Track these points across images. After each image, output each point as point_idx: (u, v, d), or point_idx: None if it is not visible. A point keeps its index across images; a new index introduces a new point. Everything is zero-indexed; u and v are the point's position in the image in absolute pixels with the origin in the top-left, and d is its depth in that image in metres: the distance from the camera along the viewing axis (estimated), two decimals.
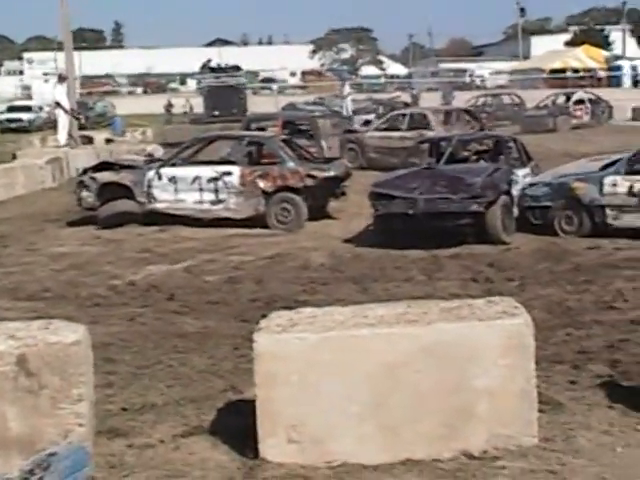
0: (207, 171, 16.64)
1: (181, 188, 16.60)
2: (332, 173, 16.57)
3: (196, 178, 16.53)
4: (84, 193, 17.10)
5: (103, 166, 17.84)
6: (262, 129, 23.65)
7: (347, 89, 47.69)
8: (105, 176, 17.11)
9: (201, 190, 16.49)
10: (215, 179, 16.44)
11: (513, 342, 5.41)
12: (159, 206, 16.71)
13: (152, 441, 5.97)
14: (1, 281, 12.29)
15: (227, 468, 5.51)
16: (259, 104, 53.01)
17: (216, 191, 16.44)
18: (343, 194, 17.07)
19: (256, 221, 16.18)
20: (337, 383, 5.40)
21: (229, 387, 7.13)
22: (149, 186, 16.71)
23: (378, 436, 5.41)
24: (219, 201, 16.46)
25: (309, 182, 16.13)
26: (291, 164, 16.42)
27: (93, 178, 17.09)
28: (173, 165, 17.04)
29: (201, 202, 16.53)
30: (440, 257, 12.95)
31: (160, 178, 16.70)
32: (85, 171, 17.66)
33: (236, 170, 16.50)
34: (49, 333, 5.43)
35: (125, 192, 16.74)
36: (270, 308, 9.14)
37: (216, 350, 8.43)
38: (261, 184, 16.23)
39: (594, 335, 8.52)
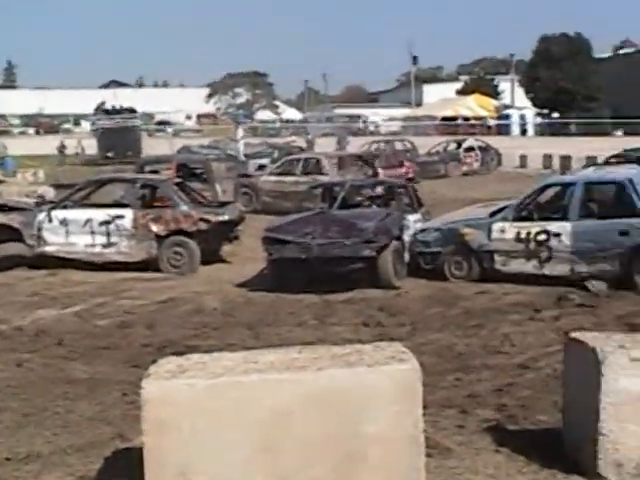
0: (99, 214, 16.48)
1: (72, 231, 16.40)
2: (226, 217, 16.59)
3: (88, 221, 16.36)
4: None
5: None
6: (156, 172, 23.56)
7: (240, 133, 47.84)
8: None
9: (93, 233, 16.32)
10: (107, 222, 16.30)
11: (401, 388, 5.45)
12: (49, 249, 16.47)
13: None
14: None
15: None
16: (154, 146, 52.69)
17: (108, 234, 16.29)
18: (236, 238, 17.09)
19: (149, 265, 16.05)
20: (227, 430, 5.36)
21: (117, 435, 7.01)
22: (39, 229, 16.46)
23: None
24: (111, 244, 16.32)
25: (202, 226, 16.11)
26: (184, 208, 16.37)
27: None
28: (65, 207, 16.82)
29: (93, 245, 16.36)
30: (333, 302, 13.04)
31: (51, 220, 16.48)
32: None
33: (129, 213, 16.39)
34: None
35: (14, 234, 16.44)
36: (162, 353, 9.09)
37: (105, 396, 8.30)
38: (154, 227, 16.14)
39: (482, 379, 8.66)
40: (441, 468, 5.96)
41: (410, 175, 30.17)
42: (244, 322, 11.99)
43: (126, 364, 9.76)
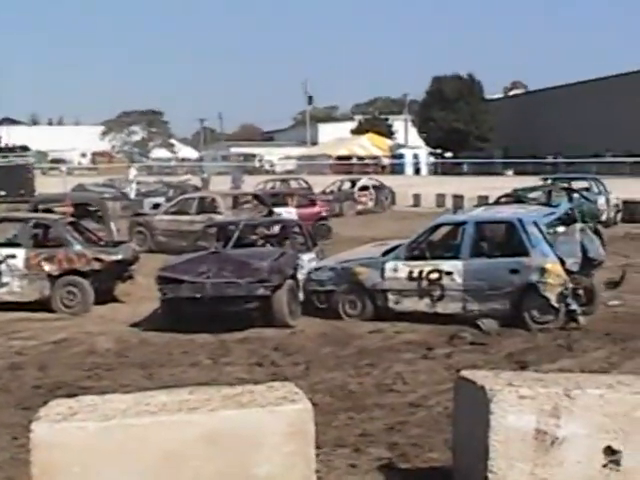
0: None
1: None
2: (119, 256, 16.48)
3: None
4: None
5: None
6: (50, 210, 23.22)
7: (133, 172, 47.54)
8: None
9: None
10: None
11: (294, 428, 5.50)
12: None
13: None
14: None
15: None
16: (48, 185, 51.95)
17: (0, 274, 16.01)
18: (130, 277, 16.97)
19: (41, 304, 15.83)
20: (119, 473, 5.33)
21: (6, 479, 6.90)
22: None
23: None
24: (2, 284, 16.03)
25: (96, 265, 15.98)
26: (78, 247, 16.22)
27: None
28: None
29: None
30: (227, 341, 13.03)
31: None
32: None
33: (21, 253, 16.15)
34: None
35: None
36: (53, 395, 8.96)
37: None
38: (46, 267, 15.94)
39: (375, 418, 8.76)
40: None
41: (323, 214, 30.32)
42: (138, 362, 11.89)
43: (17, 406, 9.61)
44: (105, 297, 16.43)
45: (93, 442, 5.34)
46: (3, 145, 62.86)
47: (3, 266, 16.07)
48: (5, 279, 16.09)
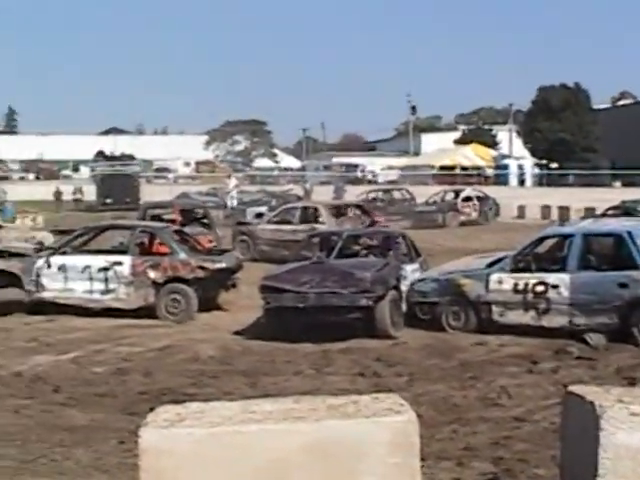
0: (98, 260, 16.54)
1: (71, 277, 16.43)
2: (223, 264, 16.65)
3: (86, 267, 16.40)
4: None
5: None
6: (159, 217, 23.69)
7: (233, 182, 47.82)
8: None
9: (91, 279, 16.36)
10: (106, 269, 16.34)
11: (399, 439, 5.45)
12: (47, 295, 16.50)
13: None
14: None
15: None
16: (152, 193, 52.88)
17: (106, 280, 16.33)
18: (234, 286, 17.11)
19: (146, 312, 16.08)
20: (224, 479, 5.37)
21: None
22: (38, 275, 16.50)
23: None
24: (109, 291, 16.35)
25: (200, 273, 16.17)
26: (182, 255, 16.43)
27: None
28: (63, 254, 16.87)
29: (91, 291, 16.39)
30: (330, 351, 13.03)
31: (49, 267, 16.52)
32: None
33: (127, 260, 16.44)
34: None
35: (13, 280, 16.49)
36: (158, 401, 9.10)
37: (102, 444, 8.31)
38: (152, 274, 16.19)
39: (479, 432, 8.66)
40: None
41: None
42: (241, 370, 11.99)
43: (123, 412, 9.78)
44: (208, 305, 16.62)
45: (200, 448, 5.38)
46: (110, 154, 64.41)
47: (110, 273, 16.37)
48: (112, 286, 16.40)
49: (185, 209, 25.31)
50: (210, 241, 21.14)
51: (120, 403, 10.23)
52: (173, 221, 21.99)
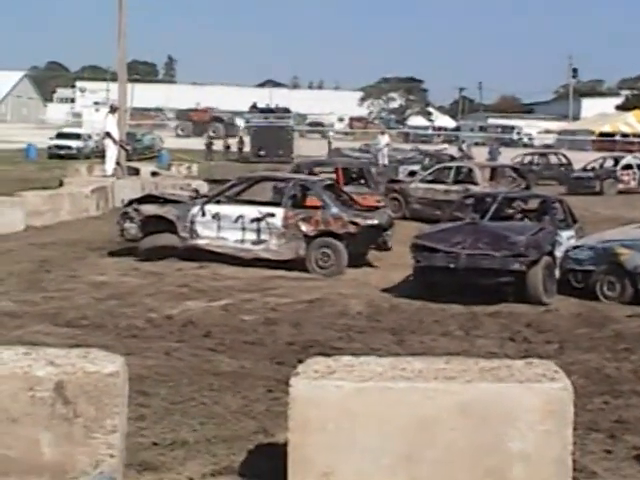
0: (251, 211, 16.70)
1: (224, 226, 16.65)
2: (375, 221, 16.57)
3: (239, 217, 16.58)
4: (127, 224, 17.11)
5: (148, 199, 17.93)
6: (314, 174, 23.52)
7: (385, 140, 47.37)
8: (150, 209, 17.17)
9: (244, 229, 16.53)
10: (258, 219, 16.49)
11: (552, 407, 5.35)
12: (200, 242, 16.73)
13: (181, 478, 5.98)
14: (41, 305, 12.37)
15: None
16: (305, 147, 53.29)
17: (258, 231, 16.48)
18: (385, 243, 17.00)
19: (296, 264, 16.19)
20: (371, 434, 5.36)
21: (261, 429, 7.11)
22: (192, 222, 16.74)
23: None
24: (260, 241, 16.50)
25: (352, 229, 16.15)
26: (334, 210, 16.43)
27: (137, 210, 17.12)
28: (218, 202, 17.10)
29: (242, 241, 16.56)
30: (479, 314, 12.87)
31: (204, 214, 16.75)
32: (130, 202, 17.67)
33: (280, 212, 16.54)
34: (88, 362, 5.44)
35: (168, 226, 16.80)
36: (306, 352, 9.19)
37: (250, 391, 8.41)
38: (303, 227, 16.26)
39: (632, 405, 8.40)
40: None
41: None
42: (388, 327, 11.95)
43: (271, 360, 9.87)
44: (358, 261, 16.62)
45: (349, 401, 5.39)
46: (265, 106, 65.07)
47: (262, 224, 16.50)
48: (263, 236, 16.53)
49: (346, 167, 25.10)
50: (378, 201, 20.50)
51: (268, 352, 10.33)
52: (337, 181, 21.66)
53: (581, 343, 11.24)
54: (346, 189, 19.72)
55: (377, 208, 18.06)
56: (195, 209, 16.86)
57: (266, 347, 10.62)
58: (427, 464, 5.37)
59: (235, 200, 17.39)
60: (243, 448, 6.56)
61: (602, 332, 11.91)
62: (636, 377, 9.55)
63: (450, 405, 5.36)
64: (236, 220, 16.59)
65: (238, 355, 10.08)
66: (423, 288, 14.24)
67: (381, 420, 5.38)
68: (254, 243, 16.53)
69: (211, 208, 16.86)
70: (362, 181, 23.70)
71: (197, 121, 77.40)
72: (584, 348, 10.95)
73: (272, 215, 16.53)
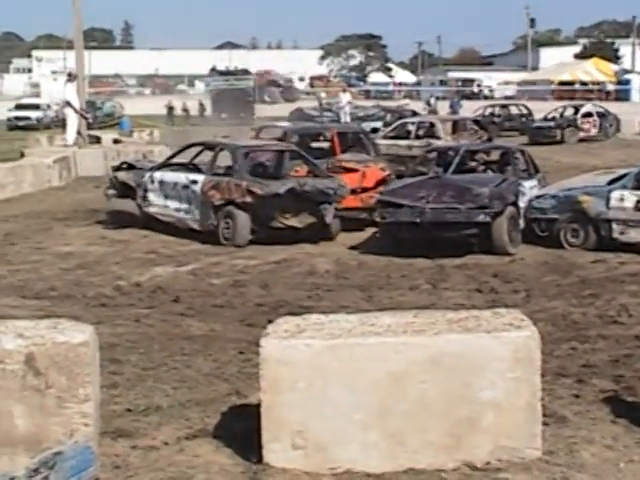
0: (182, 178, 16.08)
1: (166, 193, 16.21)
2: (278, 190, 14.98)
3: (175, 184, 16.08)
4: (109, 191, 17.18)
5: (125, 166, 17.81)
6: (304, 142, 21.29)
7: (345, 98, 47.12)
8: (120, 175, 17.17)
9: (180, 198, 15.95)
10: (186, 186, 15.85)
11: (520, 355, 5.42)
12: (152, 210, 16.39)
13: (156, 443, 5.99)
14: (8, 278, 12.32)
15: (231, 472, 5.53)
16: (266, 109, 53.08)
17: (188, 200, 15.77)
18: (321, 218, 15.71)
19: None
20: (343, 390, 5.41)
21: (233, 391, 7.14)
22: (145, 189, 16.45)
23: (382, 444, 5.42)
24: (189, 211, 15.77)
25: (248, 198, 14.93)
26: (238, 177, 15.26)
27: (115, 177, 17.23)
28: (163, 169, 16.73)
29: (179, 210, 15.95)
30: (446, 267, 12.96)
31: (152, 182, 16.45)
32: (117, 169, 17.76)
33: (200, 179, 15.69)
34: (57, 333, 5.42)
35: (131, 193, 16.67)
36: (275, 313, 9.21)
37: (221, 354, 8.44)
38: (213, 196, 15.32)
39: (598, 349, 8.52)
40: (557, 437, 5.92)
41: None
42: (357, 285, 12.01)
43: (241, 322, 9.91)
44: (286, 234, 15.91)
45: (319, 359, 5.43)
46: (225, 69, 64.64)
47: (189, 191, 15.62)
48: (192, 205, 15.34)
49: (341, 132, 20.96)
50: (382, 169, 17.81)
51: (238, 314, 10.36)
52: (332, 149, 19.09)
53: (547, 291, 11.37)
54: (344, 157, 18.30)
55: (384, 180, 16.81)
56: (147, 176, 16.59)
57: (235, 309, 10.65)
58: (399, 417, 5.43)
59: (177, 167, 16.81)
60: (216, 411, 6.59)
61: (567, 279, 12.05)
62: (602, 322, 9.69)
63: (420, 358, 5.42)
64: (173, 187, 16.07)
65: (208, 319, 10.11)
66: (390, 244, 14.30)
67: (352, 376, 5.42)
68: (186, 212, 15.81)
69: (157, 175, 16.50)
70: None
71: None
72: (550, 295, 11.08)
73: (195, 182, 15.73)
